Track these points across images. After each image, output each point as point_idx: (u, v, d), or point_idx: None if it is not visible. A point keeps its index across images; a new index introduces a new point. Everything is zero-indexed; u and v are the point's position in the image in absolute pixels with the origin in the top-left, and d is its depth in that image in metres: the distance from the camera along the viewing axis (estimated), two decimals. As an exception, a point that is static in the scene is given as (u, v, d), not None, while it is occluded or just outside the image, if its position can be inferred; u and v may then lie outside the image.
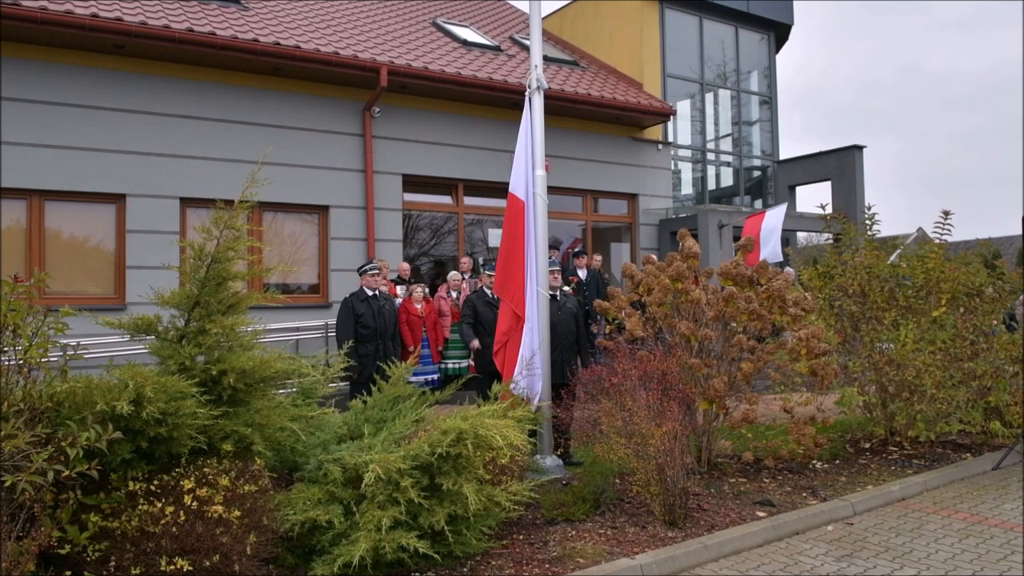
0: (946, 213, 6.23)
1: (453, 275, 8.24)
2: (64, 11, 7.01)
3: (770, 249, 8.46)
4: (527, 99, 5.25)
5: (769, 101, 13.65)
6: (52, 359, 2.72)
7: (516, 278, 5.04)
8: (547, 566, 3.42)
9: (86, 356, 2.78)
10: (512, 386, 4.75)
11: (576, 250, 9.68)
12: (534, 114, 5.22)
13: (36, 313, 2.57)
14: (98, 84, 7.59)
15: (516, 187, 5.14)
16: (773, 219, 8.80)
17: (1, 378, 2.40)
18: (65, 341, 2.72)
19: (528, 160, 5.13)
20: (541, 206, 5.12)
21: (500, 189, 9.89)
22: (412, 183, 9.46)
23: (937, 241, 6.23)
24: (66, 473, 2.40)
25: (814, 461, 5.46)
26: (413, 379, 5.01)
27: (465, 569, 3.38)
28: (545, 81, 5.34)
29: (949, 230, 6.22)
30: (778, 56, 13.91)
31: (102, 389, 2.66)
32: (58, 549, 2.57)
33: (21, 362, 2.53)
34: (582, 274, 8.94)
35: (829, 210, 6.81)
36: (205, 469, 2.90)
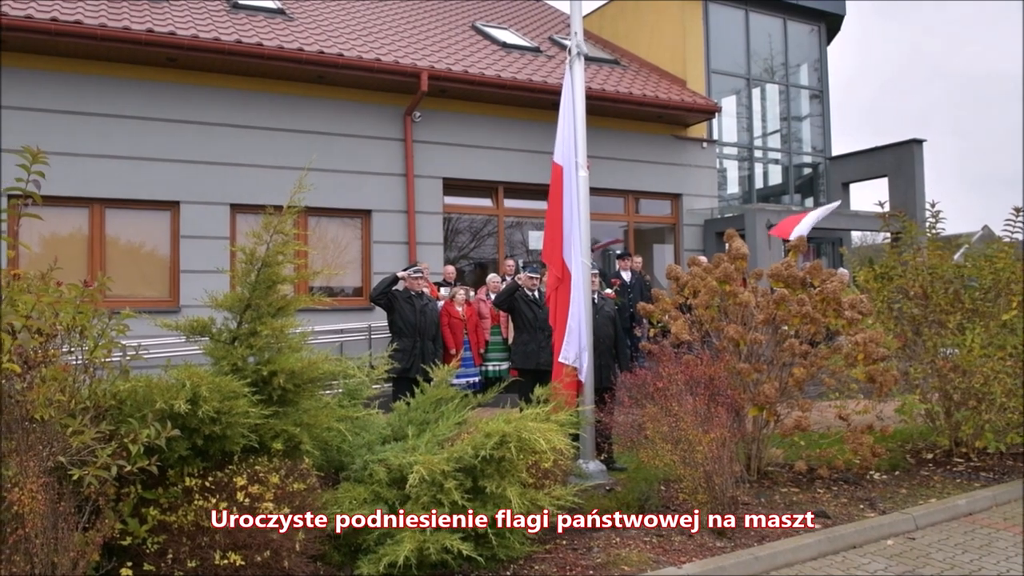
0: (1017, 210, 5.89)
1: (492, 278, 8.26)
2: (122, 27, 7.38)
3: (803, 227, 8.00)
4: (567, 66, 5.09)
5: (820, 95, 13.17)
6: (114, 359, 2.83)
7: (557, 245, 4.92)
8: (591, 572, 3.37)
9: (145, 356, 2.89)
10: (563, 356, 4.73)
11: (620, 252, 9.55)
12: (575, 82, 5.04)
13: (101, 315, 2.69)
14: (152, 96, 7.93)
15: (559, 156, 5.01)
16: (813, 217, 8.36)
17: (70, 377, 2.52)
18: (126, 342, 2.83)
19: (571, 129, 4.96)
20: (582, 179, 4.97)
21: (540, 191, 9.86)
22: (452, 186, 9.54)
23: (1007, 239, 5.91)
24: (128, 468, 2.50)
25: (871, 472, 5.23)
26: (455, 381, 5.02)
27: (508, 573, 3.36)
28: (585, 47, 5.16)
29: (1020, 228, 5.89)
30: (829, 48, 13.43)
31: (161, 388, 2.77)
32: (120, 541, 2.68)
33: (87, 362, 2.64)
34: (626, 276, 8.82)
35: (887, 208, 6.51)
36: (256, 467, 2.98)
